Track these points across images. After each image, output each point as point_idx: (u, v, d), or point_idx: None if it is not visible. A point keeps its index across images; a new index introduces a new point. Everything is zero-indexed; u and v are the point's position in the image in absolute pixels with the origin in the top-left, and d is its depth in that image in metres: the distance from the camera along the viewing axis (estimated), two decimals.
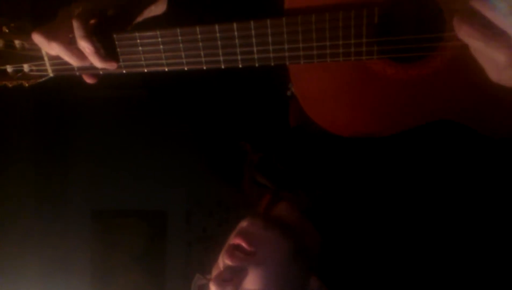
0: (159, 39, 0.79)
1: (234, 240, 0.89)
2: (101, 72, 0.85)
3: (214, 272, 0.92)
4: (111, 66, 0.81)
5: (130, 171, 2.14)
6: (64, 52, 0.79)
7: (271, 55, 0.76)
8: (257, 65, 0.77)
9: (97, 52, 0.78)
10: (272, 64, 0.77)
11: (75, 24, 0.76)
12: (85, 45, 0.77)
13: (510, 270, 0.87)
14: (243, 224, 0.92)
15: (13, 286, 1.99)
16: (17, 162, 2.03)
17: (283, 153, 0.98)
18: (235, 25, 0.75)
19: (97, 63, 0.80)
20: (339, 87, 0.80)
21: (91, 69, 0.84)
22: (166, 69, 0.81)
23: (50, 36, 0.77)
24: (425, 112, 0.79)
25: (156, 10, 0.91)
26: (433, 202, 0.89)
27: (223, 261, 0.89)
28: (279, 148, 1.00)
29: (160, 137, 2.07)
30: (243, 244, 0.88)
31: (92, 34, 0.77)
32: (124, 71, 0.83)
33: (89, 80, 0.86)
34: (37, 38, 0.78)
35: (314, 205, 0.93)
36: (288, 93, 0.96)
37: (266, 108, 1.04)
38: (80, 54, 0.79)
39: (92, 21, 0.78)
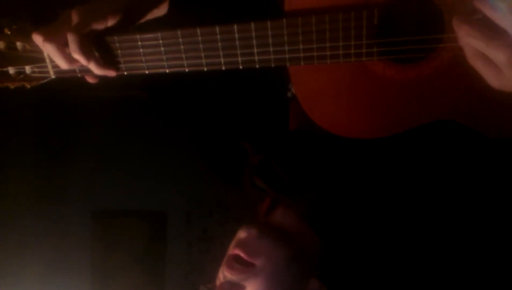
0: (160, 41, 0.79)
1: (233, 251, 0.91)
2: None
3: (217, 283, 0.93)
4: (108, 73, 0.82)
5: (130, 171, 2.14)
6: (57, 55, 0.79)
7: (272, 56, 0.76)
8: (257, 66, 0.78)
9: (92, 62, 0.79)
10: (273, 65, 0.77)
11: (70, 38, 0.77)
12: (78, 58, 0.78)
13: (510, 270, 0.87)
14: (241, 234, 0.94)
15: (13, 286, 1.99)
16: (17, 162, 2.03)
17: (282, 157, 0.99)
18: (235, 26, 0.75)
19: (96, 71, 0.81)
20: (339, 88, 0.81)
21: (92, 72, 0.84)
22: (167, 71, 0.82)
23: (48, 37, 0.78)
24: (424, 112, 0.80)
25: (158, 12, 0.91)
26: (433, 202, 0.89)
27: (223, 273, 0.91)
28: (279, 152, 1.00)
29: (160, 137, 2.07)
30: (242, 255, 0.90)
31: (85, 47, 0.78)
32: (125, 73, 0.84)
33: (91, 80, 0.87)
34: (37, 39, 0.78)
35: (312, 208, 0.94)
36: (289, 94, 0.96)
37: (267, 109, 1.04)
38: (71, 59, 0.80)
39: (89, 32, 0.79)
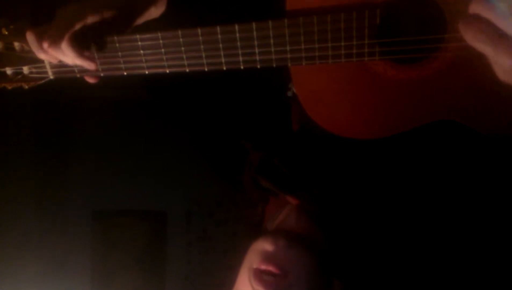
0: (160, 41, 0.78)
1: (261, 265, 0.87)
2: (102, 74, 0.85)
3: None
4: (89, 66, 0.81)
5: (130, 171, 2.14)
6: (38, 51, 0.79)
7: (273, 56, 0.76)
8: (259, 66, 0.77)
9: (78, 56, 0.79)
10: (274, 65, 0.77)
11: (63, 34, 0.76)
12: (54, 52, 0.78)
13: (510, 270, 0.87)
14: (266, 247, 0.89)
15: (13, 286, 1.99)
16: (17, 162, 2.03)
17: (286, 155, 0.98)
18: (236, 26, 0.75)
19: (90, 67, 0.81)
20: (341, 88, 0.80)
21: (91, 71, 0.84)
22: (167, 71, 0.81)
23: (38, 34, 0.77)
24: (426, 112, 0.79)
25: (157, 11, 0.90)
26: (433, 202, 0.89)
27: (253, 287, 0.87)
28: (282, 150, 0.99)
29: (160, 137, 2.07)
30: (273, 270, 0.86)
31: (75, 42, 0.78)
32: (125, 73, 0.83)
33: (90, 79, 0.87)
34: (29, 37, 0.78)
35: (318, 206, 0.93)
36: (289, 93, 0.96)
37: (267, 108, 1.04)
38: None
39: (82, 27, 0.78)
